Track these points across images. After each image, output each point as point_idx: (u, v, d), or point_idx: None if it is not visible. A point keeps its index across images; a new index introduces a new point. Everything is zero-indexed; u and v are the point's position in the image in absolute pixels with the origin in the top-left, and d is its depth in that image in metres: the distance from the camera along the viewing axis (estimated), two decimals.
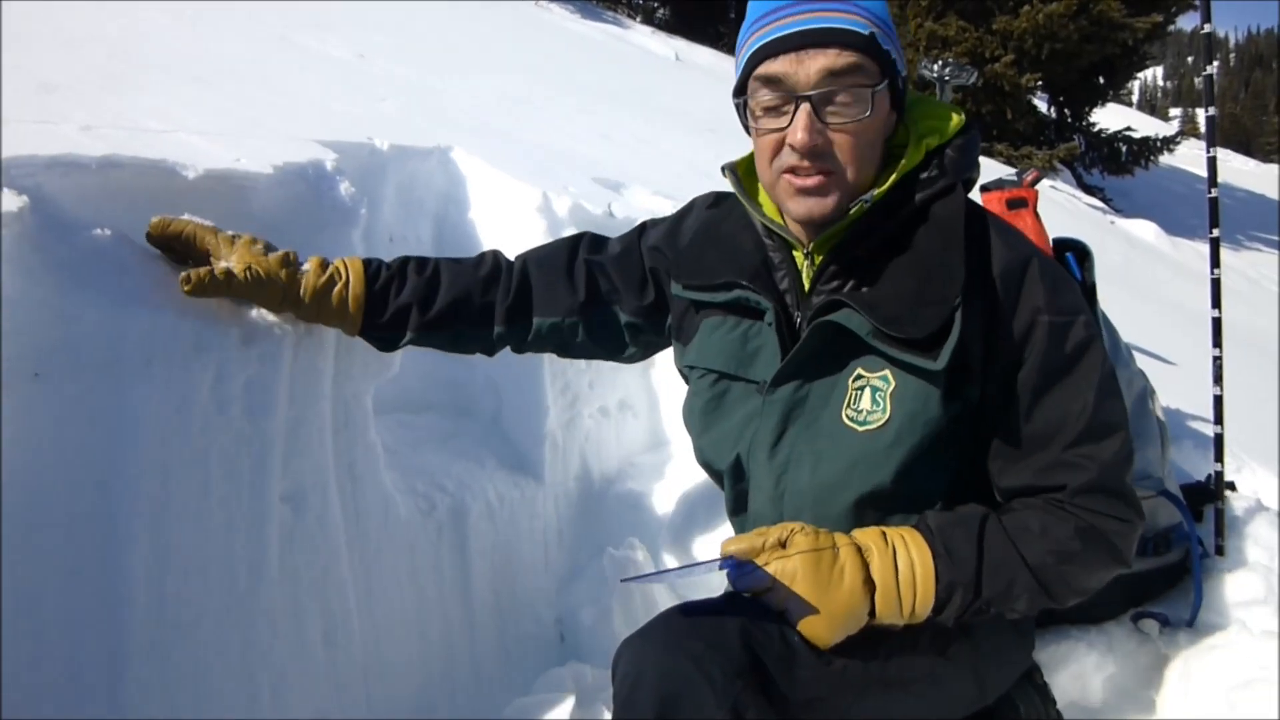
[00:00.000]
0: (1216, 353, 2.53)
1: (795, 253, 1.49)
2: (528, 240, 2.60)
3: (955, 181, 1.41)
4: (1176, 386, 3.67)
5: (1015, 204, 2.51)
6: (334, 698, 1.76)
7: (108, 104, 2.57)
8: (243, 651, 1.58)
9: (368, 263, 1.66)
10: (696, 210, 1.69)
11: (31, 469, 1.31)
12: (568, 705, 1.96)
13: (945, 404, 1.37)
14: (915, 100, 1.46)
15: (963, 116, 1.45)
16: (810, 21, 1.34)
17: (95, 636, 1.38)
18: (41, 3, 3.51)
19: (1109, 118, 15.65)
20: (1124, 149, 14.78)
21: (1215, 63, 2.55)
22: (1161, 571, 2.21)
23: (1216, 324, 2.53)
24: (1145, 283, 7.52)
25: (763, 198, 1.52)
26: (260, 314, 1.59)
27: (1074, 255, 2.39)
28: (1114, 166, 14.83)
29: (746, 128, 1.45)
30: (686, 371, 1.63)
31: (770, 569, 1.33)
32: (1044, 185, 9.52)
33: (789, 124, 1.35)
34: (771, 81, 1.36)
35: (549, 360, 2.42)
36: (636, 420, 2.82)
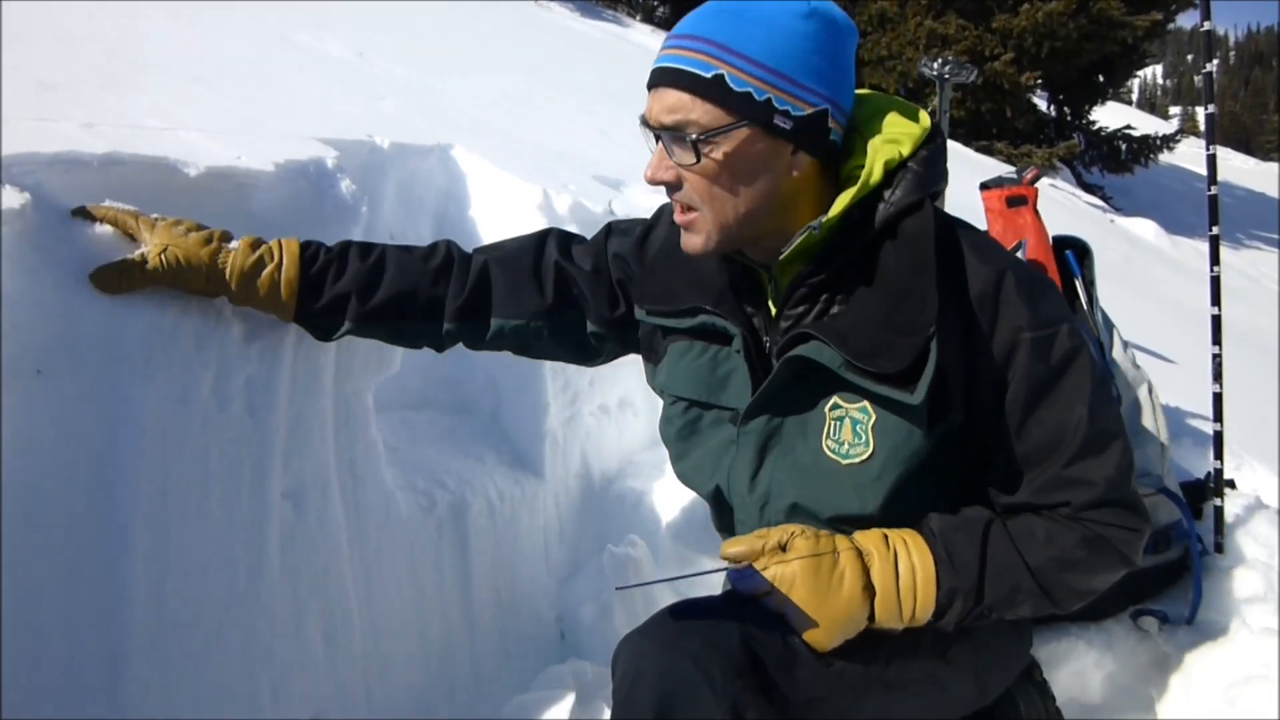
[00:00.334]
0: (1216, 350, 2.53)
1: (760, 278, 1.45)
2: None
3: (922, 197, 1.34)
4: (1176, 384, 3.68)
5: (1015, 202, 2.52)
6: (334, 695, 1.77)
7: (108, 103, 2.57)
8: (243, 649, 1.58)
9: (305, 245, 1.56)
10: (664, 222, 1.62)
11: (32, 466, 1.31)
12: (568, 703, 1.96)
13: (928, 435, 1.33)
14: (871, 112, 1.38)
15: (927, 124, 1.38)
16: (663, 59, 1.32)
17: (95, 634, 1.38)
18: (41, 2, 3.52)
19: (1109, 116, 15.67)
20: (1123, 147, 14.80)
21: (1215, 61, 2.56)
22: (1161, 569, 2.22)
23: (1216, 321, 2.53)
24: (1145, 281, 7.53)
25: None
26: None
27: (1074, 253, 2.40)
28: (1113, 165, 14.84)
29: None
30: (659, 392, 1.60)
31: (769, 574, 1.31)
32: (1043, 183, 9.52)
33: None
34: (642, 118, 1.36)
35: None
36: (637, 418, 2.82)
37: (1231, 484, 2.57)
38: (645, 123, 1.34)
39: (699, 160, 1.29)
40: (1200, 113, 2.66)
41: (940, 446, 1.36)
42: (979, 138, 12.52)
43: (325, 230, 1.71)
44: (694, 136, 1.27)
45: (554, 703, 1.97)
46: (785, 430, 1.40)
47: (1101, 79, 14.92)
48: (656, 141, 1.34)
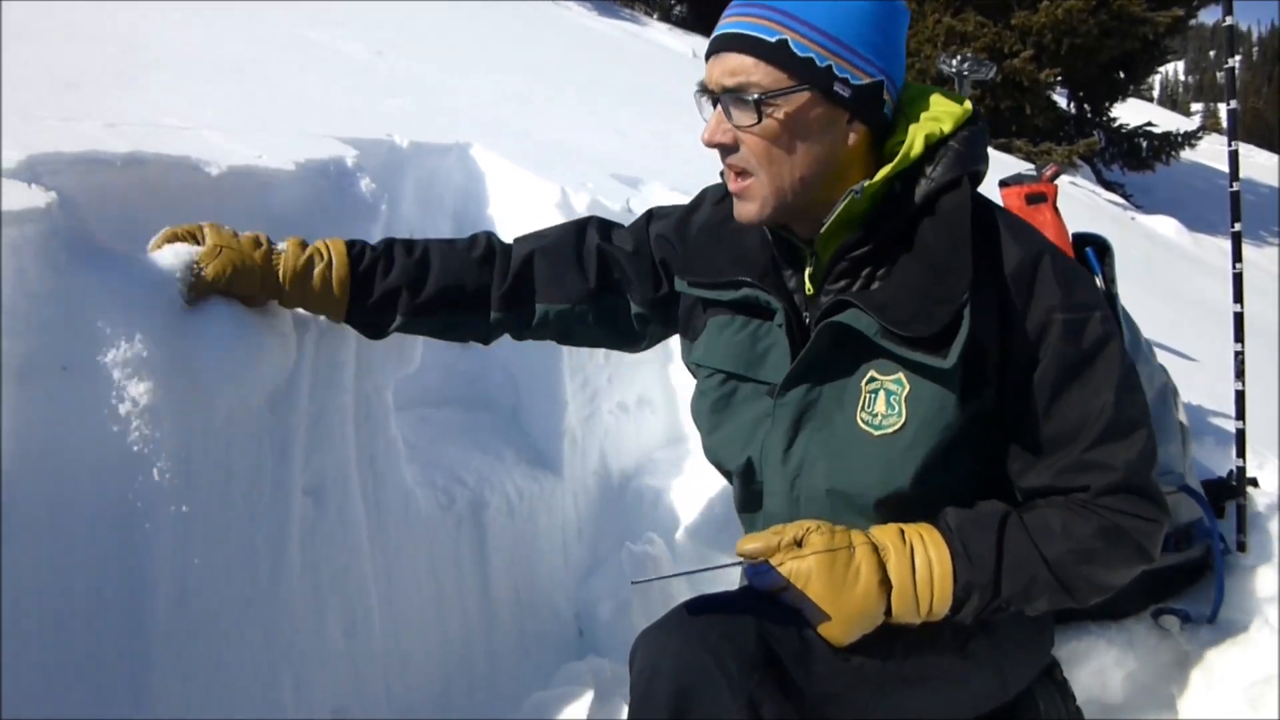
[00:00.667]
0: (1238, 348, 2.51)
1: (802, 253, 1.47)
2: None
3: (961, 175, 1.38)
4: (1198, 382, 3.65)
5: (1034, 199, 2.51)
6: (354, 691, 1.78)
7: (127, 101, 2.59)
8: (264, 644, 1.59)
9: (350, 243, 1.59)
10: (706, 204, 1.66)
11: (57, 462, 1.32)
12: (586, 700, 1.96)
13: (961, 407, 1.35)
14: (916, 94, 1.43)
15: (969, 107, 1.42)
16: (727, 26, 1.36)
17: (119, 631, 1.39)
18: (62, 1, 3.55)
19: (1129, 113, 15.54)
20: (1144, 144, 14.67)
21: (1238, 56, 2.53)
22: (1183, 568, 2.20)
23: (1239, 319, 2.52)
24: (1166, 279, 7.47)
25: None
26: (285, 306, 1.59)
27: (1094, 250, 2.39)
28: (1134, 162, 14.72)
29: None
30: (694, 368, 1.61)
31: (785, 569, 1.32)
32: (1063, 181, 9.46)
33: None
34: (701, 85, 1.40)
35: (568, 355, 2.43)
36: (655, 416, 2.82)
37: (1254, 482, 2.55)
38: (704, 89, 1.39)
39: (760, 120, 1.32)
40: (1222, 109, 2.64)
41: (973, 424, 1.37)
42: (998, 135, 12.45)
43: (346, 229, 1.72)
44: (756, 96, 1.32)
45: (572, 700, 1.97)
46: (821, 403, 1.42)
47: (1122, 75, 14.81)
48: (714, 106, 1.38)
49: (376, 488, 1.88)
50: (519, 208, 2.52)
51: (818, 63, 1.31)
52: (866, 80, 1.34)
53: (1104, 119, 14.95)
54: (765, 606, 1.34)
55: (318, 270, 1.54)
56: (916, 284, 1.34)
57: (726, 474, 1.60)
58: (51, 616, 1.32)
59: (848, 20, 1.32)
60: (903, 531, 1.37)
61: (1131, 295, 2.82)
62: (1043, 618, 1.57)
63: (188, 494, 1.46)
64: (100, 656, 1.37)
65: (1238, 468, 2.45)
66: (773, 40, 1.31)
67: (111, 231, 1.42)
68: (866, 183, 1.35)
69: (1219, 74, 2.46)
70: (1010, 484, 1.45)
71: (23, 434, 1.27)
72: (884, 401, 1.37)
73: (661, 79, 8.39)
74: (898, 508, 1.40)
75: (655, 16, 15.35)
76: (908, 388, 1.36)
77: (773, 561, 1.33)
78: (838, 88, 1.32)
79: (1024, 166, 2.65)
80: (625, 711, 1.36)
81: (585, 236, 1.71)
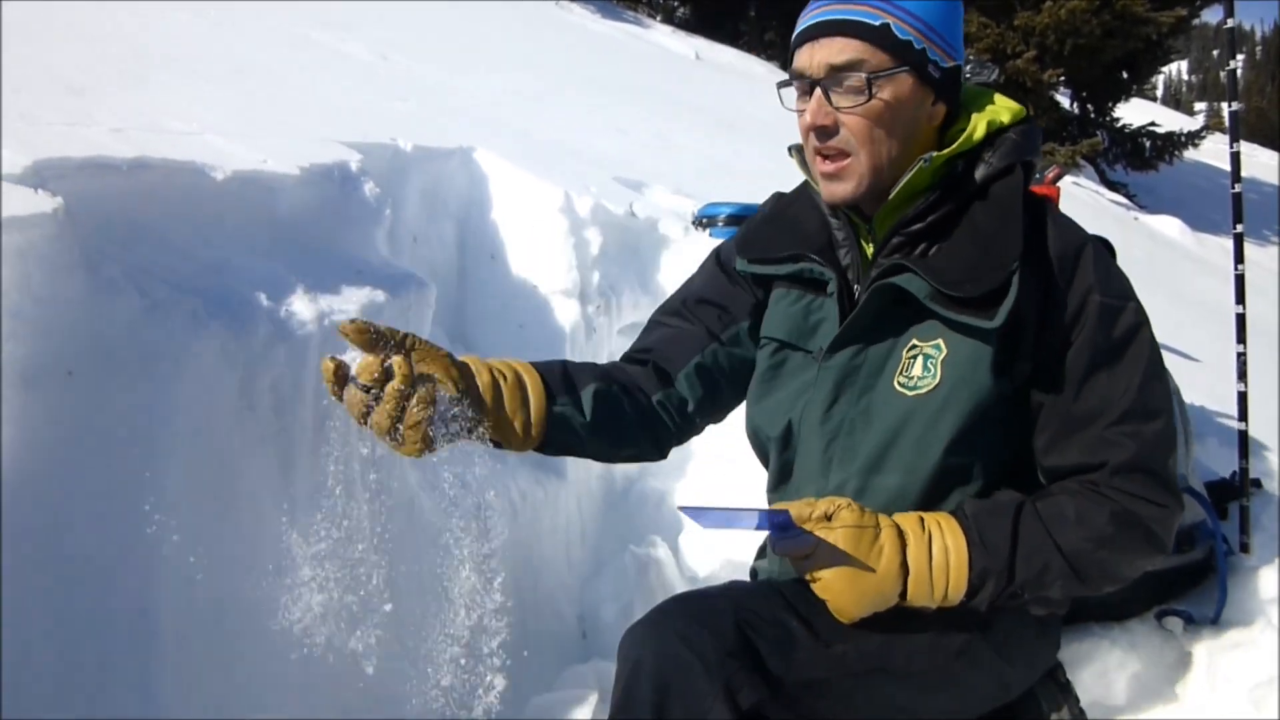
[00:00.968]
0: (1241, 349, 2.52)
1: (860, 229, 1.53)
2: (551, 239, 2.63)
3: (1015, 162, 1.47)
4: (1201, 383, 3.65)
5: None
6: (360, 694, 1.78)
7: (133, 104, 2.59)
8: (269, 649, 1.59)
9: (550, 395, 1.51)
10: (759, 210, 1.73)
11: (63, 466, 1.33)
12: (590, 702, 1.97)
13: (995, 374, 1.41)
14: (978, 93, 1.53)
15: (1024, 109, 1.53)
16: (826, 14, 1.44)
17: (125, 635, 1.39)
18: (67, 1, 3.55)
19: (1133, 113, 15.52)
20: (1148, 144, 14.66)
21: (1241, 56, 2.54)
22: (1186, 569, 2.20)
23: (1241, 320, 2.52)
24: (1169, 279, 7.48)
25: None
26: (287, 312, 1.60)
27: None
28: (1138, 162, 14.71)
29: None
30: (760, 347, 1.65)
31: (815, 535, 1.36)
32: (1067, 181, 9.47)
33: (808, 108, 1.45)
34: (795, 72, 1.47)
35: (571, 358, 2.43)
36: None
37: (1257, 483, 2.55)
38: (797, 76, 1.46)
39: (870, 99, 1.40)
40: (1225, 109, 2.64)
41: (1003, 400, 1.43)
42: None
43: (349, 231, 1.73)
44: (866, 75, 1.40)
45: (576, 703, 1.98)
46: (865, 366, 1.47)
47: (1125, 75, 14.79)
48: (810, 92, 1.44)
49: (380, 491, 1.88)
50: (522, 211, 2.52)
51: (915, 45, 1.41)
52: (950, 64, 1.45)
53: (1107, 119, 14.93)
54: (745, 598, 1.39)
55: (516, 419, 1.50)
56: (968, 253, 1.42)
57: (761, 450, 1.64)
58: (56, 623, 1.32)
59: (934, 7, 1.44)
60: (922, 519, 1.41)
61: None
62: (1050, 619, 1.58)
63: (193, 499, 1.47)
64: (106, 662, 1.37)
65: (1241, 469, 2.46)
66: (877, 24, 1.40)
67: (117, 236, 1.43)
68: (935, 154, 1.44)
69: (1222, 74, 2.47)
70: (1030, 474, 1.49)
71: (27, 439, 1.28)
72: (921, 365, 1.44)
73: (664, 80, 8.40)
74: (926, 485, 1.45)
75: (658, 19, 15.35)
76: (945, 352, 1.42)
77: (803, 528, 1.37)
78: (930, 69, 1.43)
79: None
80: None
81: (669, 308, 1.72)
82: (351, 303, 1.73)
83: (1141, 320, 1.45)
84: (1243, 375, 2.51)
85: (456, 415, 1.35)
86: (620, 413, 1.56)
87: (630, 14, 13.75)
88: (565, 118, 4.99)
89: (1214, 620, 2.14)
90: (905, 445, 1.44)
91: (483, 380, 1.43)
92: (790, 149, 1.60)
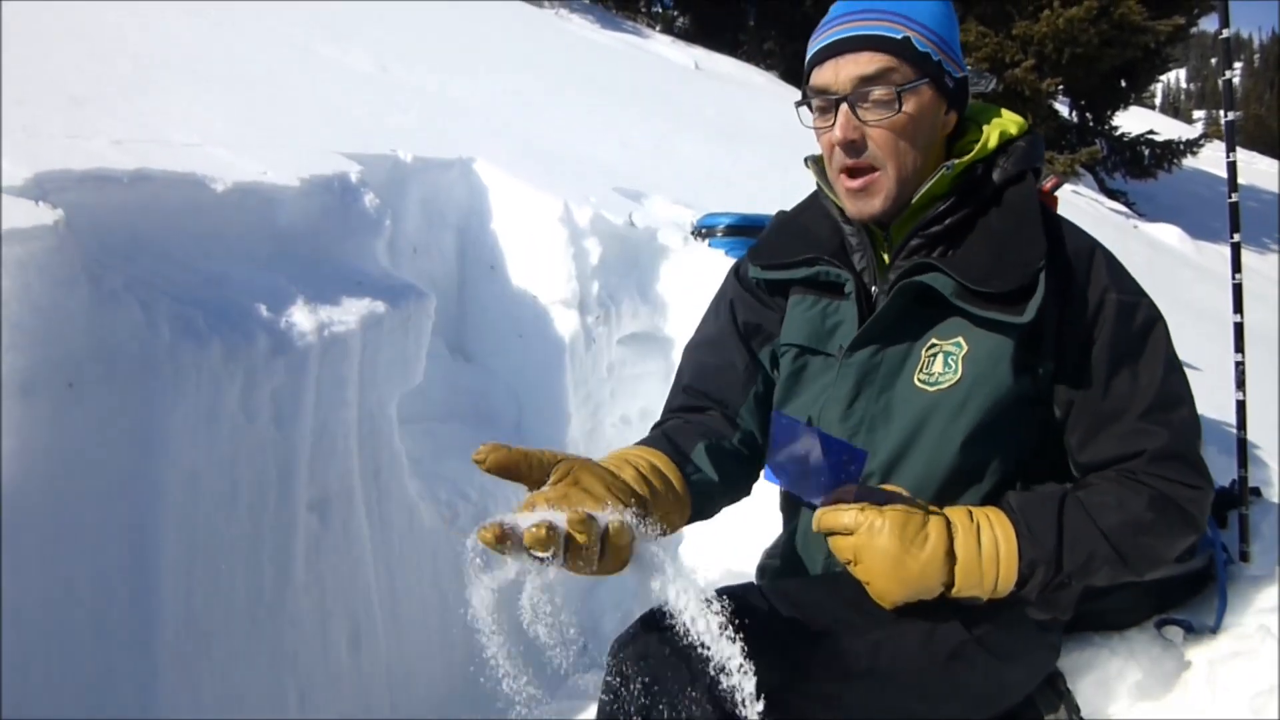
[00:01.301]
0: (1239, 358, 2.52)
1: (875, 234, 1.55)
2: (550, 249, 2.63)
3: (1026, 169, 1.50)
4: (1200, 391, 3.63)
5: None
6: (359, 702, 1.78)
7: (134, 114, 2.60)
8: (270, 655, 1.60)
9: (664, 453, 1.48)
10: (766, 229, 1.74)
11: (64, 476, 1.33)
12: (590, 713, 1.96)
13: (1015, 372, 1.43)
14: (983, 107, 1.57)
15: (1027, 122, 1.57)
16: (847, 30, 1.45)
17: (126, 641, 1.40)
18: (70, 3, 3.56)
19: (1131, 121, 15.55)
20: (1146, 152, 14.68)
21: (1238, 65, 2.54)
22: (1186, 578, 2.20)
23: (1239, 329, 2.52)
24: (1169, 286, 7.48)
25: None
26: (287, 323, 1.60)
27: None
28: (1137, 170, 14.72)
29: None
30: (781, 355, 1.64)
31: (862, 515, 1.37)
32: (1066, 190, 9.48)
33: (833, 124, 1.46)
34: (818, 88, 1.48)
35: (570, 368, 2.44)
36: None
37: (1257, 492, 2.55)
38: (819, 93, 1.47)
39: (899, 110, 1.42)
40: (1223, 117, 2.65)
41: (1024, 398, 1.44)
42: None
43: (349, 243, 1.73)
44: (897, 89, 1.42)
45: (576, 714, 1.98)
46: (884, 365, 1.49)
47: (1124, 84, 14.81)
48: (833, 109, 1.45)
49: (381, 502, 1.88)
50: (522, 222, 2.53)
51: (933, 57, 1.45)
52: (961, 74, 1.50)
53: (1106, 127, 14.95)
54: (733, 601, 1.38)
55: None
56: (986, 255, 1.45)
57: None
58: (58, 631, 1.33)
59: (943, 21, 1.48)
60: (970, 512, 1.43)
61: None
62: (1053, 624, 1.59)
63: (194, 508, 1.48)
64: (107, 670, 1.38)
65: (1240, 478, 2.45)
66: (899, 38, 1.43)
67: (118, 248, 1.43)
68: (956, 161, 1.47)
69: (1219, 82, 2.47)
70: (1056, 474, 1.51)
71: (27, 449, 1.28)
72: (942, 362, 1.46)
73: (664, 90, 8.42)
74: (946, 482, 1.46)
75: (658, 29, 15.38)
76: (967, 348, 1.45)
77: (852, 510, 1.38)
78: (946, 80, 1.46)
79: None
80: None
81: (713, 333, 1.70)
82: (351, 314, 1.73)
83: (1156, 315, 1.50)
84: (1241, 384, 2.51)
85: (639, 524, 1.30)
86: (733, 463, 1.59)
87: (630, 24, 13.78)
88: (565, 127, 4.99)
89: (1214, 629, 2.13)
90: (926, 441, 1.46)
91: (629, 476, 1.39)
92: (807, 160, 1.61)
